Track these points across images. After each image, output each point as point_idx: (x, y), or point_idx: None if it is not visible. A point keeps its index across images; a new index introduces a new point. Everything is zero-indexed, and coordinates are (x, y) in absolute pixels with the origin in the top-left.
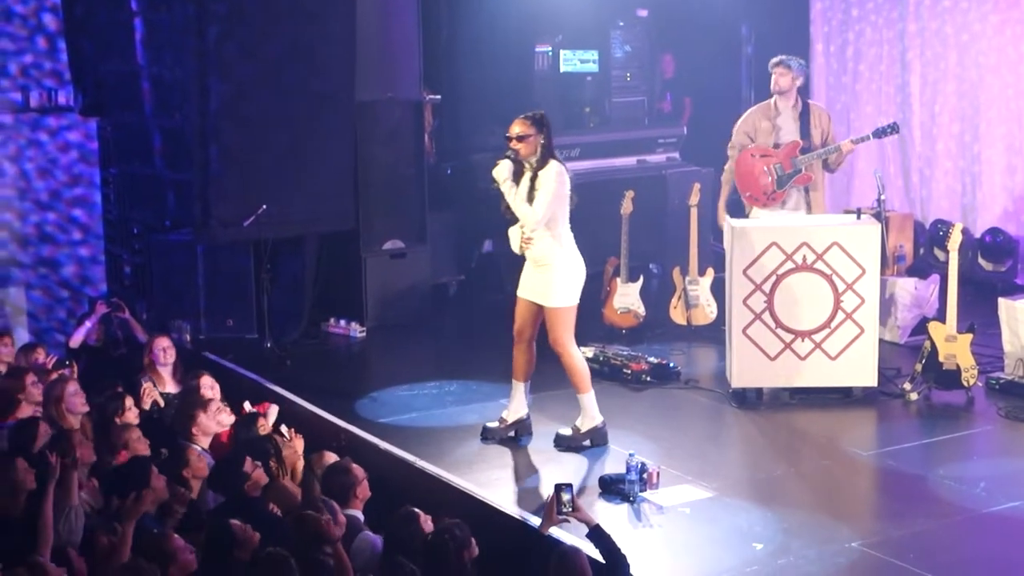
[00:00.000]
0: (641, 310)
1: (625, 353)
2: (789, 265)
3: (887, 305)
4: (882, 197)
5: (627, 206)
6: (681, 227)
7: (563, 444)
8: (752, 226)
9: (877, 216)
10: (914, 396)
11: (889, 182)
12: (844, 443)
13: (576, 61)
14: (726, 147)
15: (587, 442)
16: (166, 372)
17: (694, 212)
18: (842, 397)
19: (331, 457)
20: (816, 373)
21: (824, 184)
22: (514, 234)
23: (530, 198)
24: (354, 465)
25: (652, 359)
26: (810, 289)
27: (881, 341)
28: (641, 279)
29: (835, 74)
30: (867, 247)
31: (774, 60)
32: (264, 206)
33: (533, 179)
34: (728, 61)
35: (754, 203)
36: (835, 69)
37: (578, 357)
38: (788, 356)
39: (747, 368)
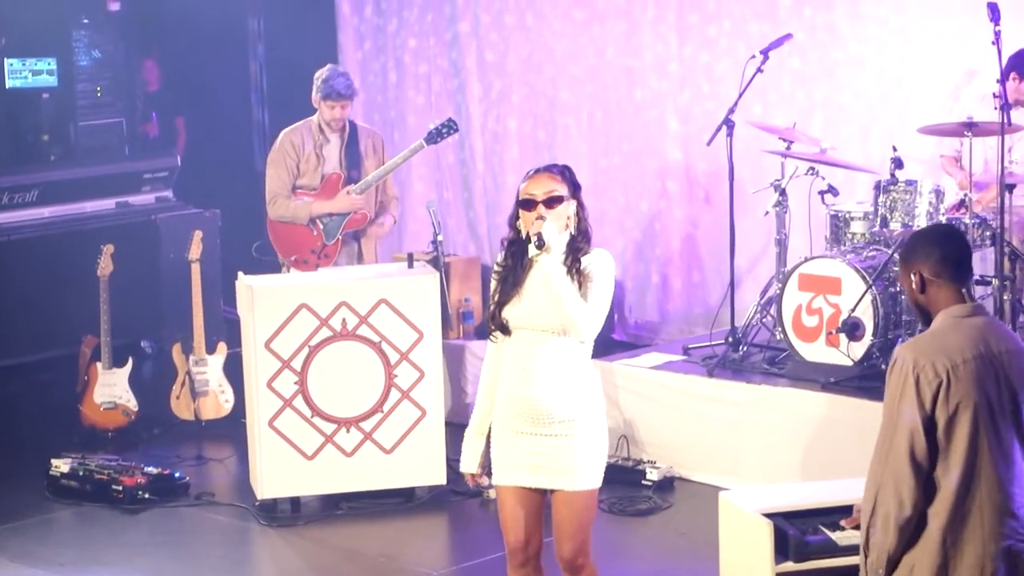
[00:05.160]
0: (132, 404)
1: (114, 464)
2: (325, 333)
3: (455, 377)
4: (439, 237)
5: (106, 265)
6: (180, 289)
7: None
8: (273, 284)
9: (434, 262)
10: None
11: (449, 216)
12: (408, 561)
13: (27, 73)
14: (265, 200)
15: None
16: None
17: (196, 269)
18: (403, 501)
19: None
20: (368, 473)
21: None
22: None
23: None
24: None
25: (151, 469)
26: (354, 363)
27: (449, 424)
28: (130, 362)
29: (379, 88)
30: (423, 304)
31: (335, 87)
32: None
33: (573, 270)
34: (233, 67)
35: (305, 268)
36: (377, 82)
37: None
38: (330, 453)
39: (277, 472)
